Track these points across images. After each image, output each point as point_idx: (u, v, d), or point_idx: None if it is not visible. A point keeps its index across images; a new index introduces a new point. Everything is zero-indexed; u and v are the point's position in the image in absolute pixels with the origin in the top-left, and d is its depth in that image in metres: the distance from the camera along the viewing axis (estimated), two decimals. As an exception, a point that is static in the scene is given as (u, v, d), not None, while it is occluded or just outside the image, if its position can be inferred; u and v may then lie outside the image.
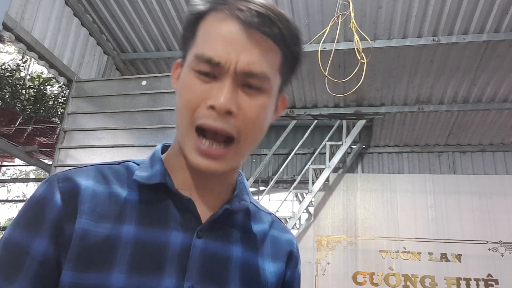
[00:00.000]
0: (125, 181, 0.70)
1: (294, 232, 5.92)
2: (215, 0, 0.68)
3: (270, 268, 0.75)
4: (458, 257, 5.69)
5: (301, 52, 0.72)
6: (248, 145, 0.67)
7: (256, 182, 6.48)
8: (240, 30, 0.64)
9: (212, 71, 0.64)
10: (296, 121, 6.29)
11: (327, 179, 6.01)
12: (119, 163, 0.74)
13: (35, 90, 4.72)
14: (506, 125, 5.96)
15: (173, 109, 3.86)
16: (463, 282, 5.56)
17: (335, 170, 6.17)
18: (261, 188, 6.63)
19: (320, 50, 3.71)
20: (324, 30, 3.62)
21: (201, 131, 0.64)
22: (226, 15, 0.66)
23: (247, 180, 6.31)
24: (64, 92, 4.94)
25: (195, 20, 0.70)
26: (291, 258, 0.81)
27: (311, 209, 6.02)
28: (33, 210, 0.65)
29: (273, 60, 0.67)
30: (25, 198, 13.74)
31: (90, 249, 0.61)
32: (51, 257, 0.62)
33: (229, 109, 0.62)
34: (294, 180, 6.18)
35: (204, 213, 0.70)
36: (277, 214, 5.85)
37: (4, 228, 8.16)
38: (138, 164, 0.74)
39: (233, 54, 0.64)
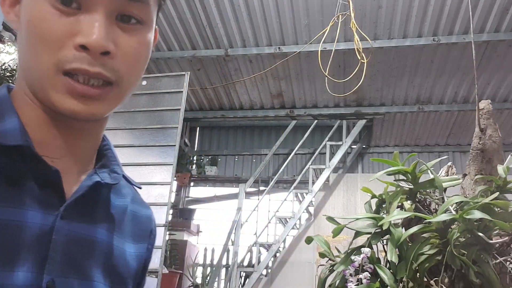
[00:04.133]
0: None
1: (294, 232, 5.92)
2: None
3: (131, 249, 0.64)
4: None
5: None
6: (129, 88, 0.56)
7: (256, 182, 6.48)
8: None
9: None
10: (296, 121, 6.29)
11: (327, 179, 6.01)
12: None
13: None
14: (506, 125, 5.96)
15: (173, 109, 3.83)
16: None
17: (335, 170, 6.16)
18: (261, 188, 6.63)
19: (320, 50, 3.71)
20: (324, 30, 3.62)
21: (71, 74, 0.51)
22: None
23: (247, 181, 6.29)
24: (64, 92, 4.94)
25: None
26: (151, 238, 0.70)
27: (311, 209, 6.02)
28: None
29: None
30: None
31: None
32: None
33: (106, 49, 0.50)
34: (294, 180, 6.18)
35: (67, 185, 0.55)
36: (277, 214, 5.85)
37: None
38: None
39: None
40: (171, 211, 5.86)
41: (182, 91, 3.92)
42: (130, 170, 4.30)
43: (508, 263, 1.23)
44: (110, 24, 0.52)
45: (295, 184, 5.99)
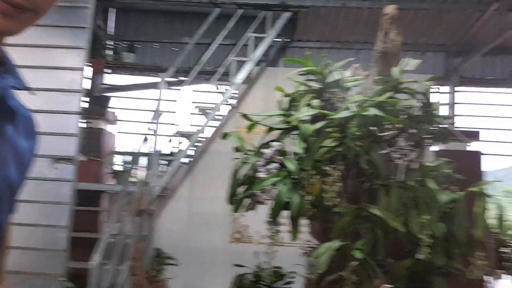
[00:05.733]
0: None
1: (216, 123, 6.01)
2: None
3: (26, 145, 0.75)
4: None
5: None
6: (42, 16, 0.65)
7: (177, 72, 6.30)
8: None
9: None
10: (220, 9, 6.00)
11: (250, 72, 6.00)
12: None
13: None
14: (421, 26, 6.22)
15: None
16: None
17: (258, 63, 6.14)
18: (182, 78, 6.48)
19: None
20: None
21: None
22: None
23: (167, 70, 6.10)
24: None
25: None
26: (36, 137, 0.80)
27: (233, 102, 6.08)
28: None
29: None
30: None
31: None
32: None
33: None
34: (217, 71, 6.10)
35: None
36: (199, 106, 5.86)
37: None
38: None
39: None
40: (86, 99, 5.59)
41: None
42: (36, 53, 3.94)
43: (394, 153, 1.39)
44: None
45: (217, 76, 5.93)
